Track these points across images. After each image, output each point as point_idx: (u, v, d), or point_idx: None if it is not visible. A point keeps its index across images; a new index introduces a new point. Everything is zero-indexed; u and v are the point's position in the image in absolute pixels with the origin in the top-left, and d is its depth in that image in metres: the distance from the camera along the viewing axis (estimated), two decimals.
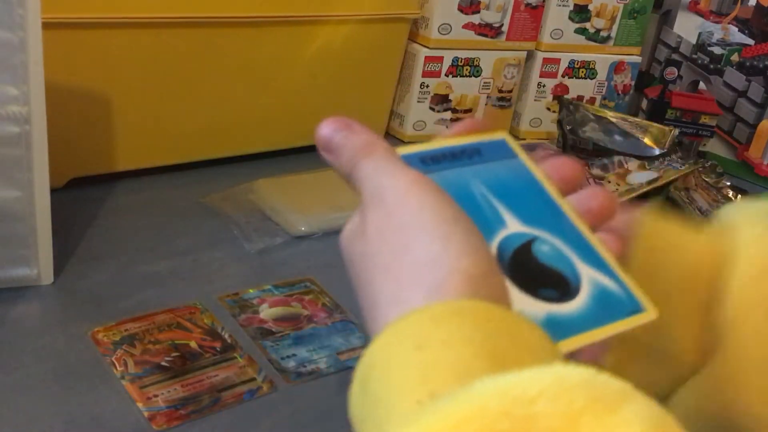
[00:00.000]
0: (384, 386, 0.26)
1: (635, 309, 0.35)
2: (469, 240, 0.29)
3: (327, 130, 0.34)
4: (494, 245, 0.34)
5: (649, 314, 0.36)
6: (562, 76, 1.13)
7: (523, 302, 0.33)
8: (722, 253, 0.38)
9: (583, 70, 1.14)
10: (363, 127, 0.34)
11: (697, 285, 0.37)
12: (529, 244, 0.35)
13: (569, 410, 0.21)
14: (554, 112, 1.14)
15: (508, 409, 0.21)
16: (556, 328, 0.33)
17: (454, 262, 0.28)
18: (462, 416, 0.21)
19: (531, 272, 0.34)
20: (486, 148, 0.39)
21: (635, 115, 1.15)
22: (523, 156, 0.40)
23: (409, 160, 0.35)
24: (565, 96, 1.14)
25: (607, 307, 0.35)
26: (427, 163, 0.36)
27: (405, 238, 0.29)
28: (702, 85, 1.19)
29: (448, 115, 1.07)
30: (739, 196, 0.96)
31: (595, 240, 0.37)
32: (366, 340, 0.28)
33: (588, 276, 0.35)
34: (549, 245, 0.36)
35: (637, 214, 0.39)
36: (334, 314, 0.64)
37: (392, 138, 1.06)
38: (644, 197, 0.88)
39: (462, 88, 1.06)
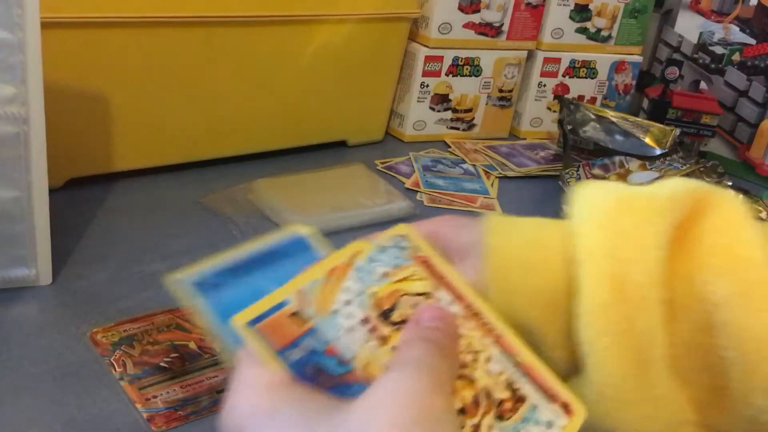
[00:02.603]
0: None
1: None
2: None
3: None
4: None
5: None
6: (563, 76, 1.13)
7: None
8: (575, 262, 0.37)
9: (583, 69, 1.14)
10: None
11: (557, 300, 0.38)
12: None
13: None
14: (555, 111, 1.14)
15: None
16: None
17: None
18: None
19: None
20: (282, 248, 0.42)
21: (636, 114, 1.15)
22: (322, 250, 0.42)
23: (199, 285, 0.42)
24: (566, 96, 1.14)
25: None
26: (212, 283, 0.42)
27: None
28: (703, 85, 1.19)
29: (448, 114, 1.06)
30: (741, 195, 0.96)
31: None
32: None
33: None
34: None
35: (478, 233, 0.40)
36: None
37: (392, 138, 1.06)
38: None
39: (462, 88, 1.06)
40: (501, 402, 0.35)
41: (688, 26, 1.19)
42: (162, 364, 0.55)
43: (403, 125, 1.05)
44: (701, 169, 0.94)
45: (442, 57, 1.02)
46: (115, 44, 0.75)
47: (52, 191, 0.61)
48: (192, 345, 0.58)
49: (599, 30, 1.13)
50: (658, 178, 0.89)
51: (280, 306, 0.35)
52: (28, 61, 0.54)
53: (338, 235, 0.78)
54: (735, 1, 1.14)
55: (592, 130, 1.06)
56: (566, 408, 0.36)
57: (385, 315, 0.37)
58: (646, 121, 1.07)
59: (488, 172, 0.98)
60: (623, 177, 0.92)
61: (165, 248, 0.70)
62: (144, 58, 0.77)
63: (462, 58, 1.03)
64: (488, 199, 0.91)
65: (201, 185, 0.83)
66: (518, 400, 0.36)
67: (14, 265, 0.60)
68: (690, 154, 1.06)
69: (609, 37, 1.14)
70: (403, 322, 0.37)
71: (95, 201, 0.77)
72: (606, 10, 1.12)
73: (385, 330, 0.36)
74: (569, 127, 1.04)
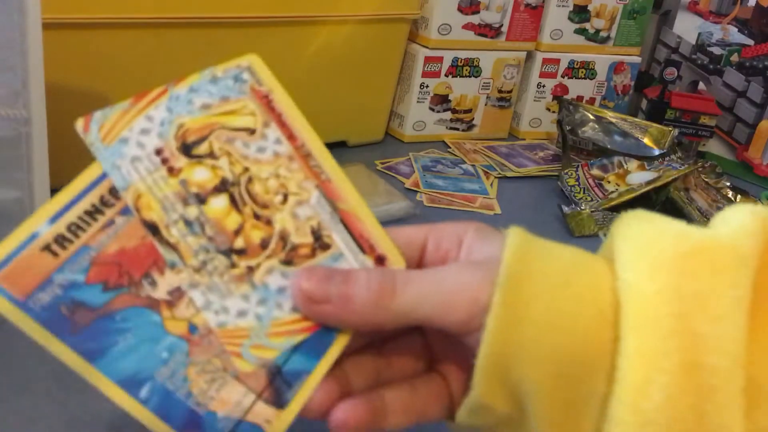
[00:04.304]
0: None
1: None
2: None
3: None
4: None
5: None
6: (562, 77, 1.13)
7: None
8: (618, 327, 0.28)
9: (582, 70, 1.14)
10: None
11: (579, 369, 0.29)
12: None
13: None
14: (554, 112, 1.14)
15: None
16: None
17: None
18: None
19: None
20: None
21: (635, 115, 1.15)
22: None
23: None
24: (565, 96, 1.14)
25: None
26: None
27: None
28: (701, 86, 1.19)
29: (447, 115, 1.07)
30: (739, 196, 0.96)
31: None
32: None
33: None
34: None
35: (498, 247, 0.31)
36: None
37: (392, 138, 1.07)
38: (644, 198, 0.88)
39: (462, 89, 1.06)
40: (296, 247, 0.31)
41: (687, 27, 1.19)
42: None
43: (402, 126, 1.06)
44: (699, 169, 0.95)
45: (442, 58, 1.02)
46: (117, 45, 0.75)
47: (54, 192, 0.61)
48: None
49: (598, 31, 1.13)
50: (656, 179, 0.89)
51: (31, 239, 0.29)
52: (29, 63, 0.55)
53: None
54: (733, 2, 1.15)
55: (591, 131, 1.06)
56: (381, 260, 0.31)
57: (187, 148, 0.30)
58: (644, 122, 1.08)
59: (487, 173, 0.98)
60: (622, 177, 0.92)
61: None
62: (146, 60, 0.78)
63: (461, 59, 1.04)
64: (487, 199, 0.91)
65: None
66: (322, 247, 0.31)
67: None
68: (688, 154, 1.07)
69: (608, 38, 1.14)
70: (208, 155, 0.30)
71: None
72: (605, 11, 1.12)
73: (180, 162, 0.29)
74: (568, 128, 1.04)
